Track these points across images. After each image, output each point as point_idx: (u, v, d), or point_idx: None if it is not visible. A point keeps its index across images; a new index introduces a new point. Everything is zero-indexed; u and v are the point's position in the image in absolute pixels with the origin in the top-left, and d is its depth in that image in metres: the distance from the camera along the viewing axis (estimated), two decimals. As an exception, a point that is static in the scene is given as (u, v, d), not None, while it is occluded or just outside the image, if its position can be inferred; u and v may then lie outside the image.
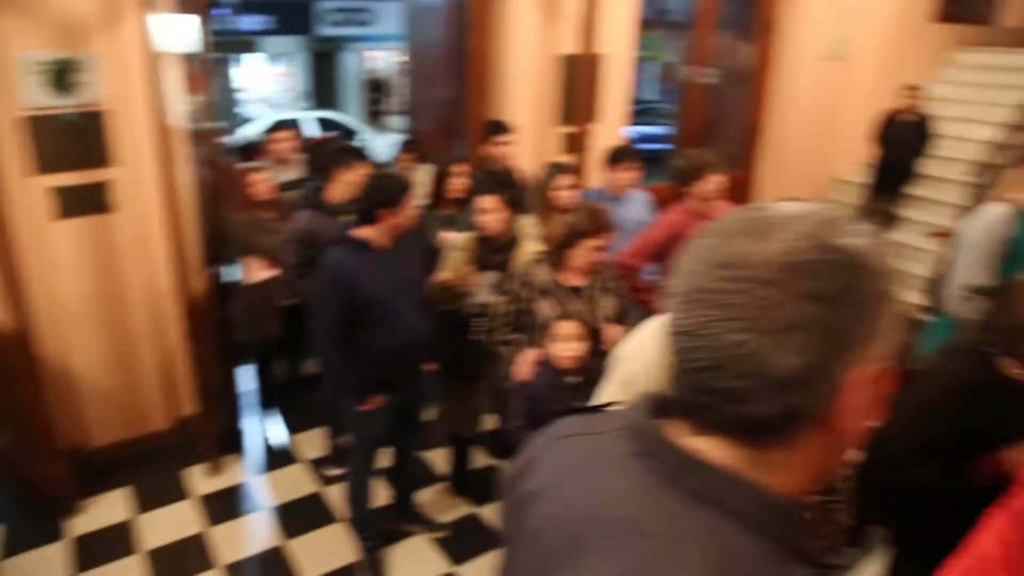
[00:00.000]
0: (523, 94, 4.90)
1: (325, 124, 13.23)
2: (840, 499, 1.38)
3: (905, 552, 2.15)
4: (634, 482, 0.68)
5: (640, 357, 1.88)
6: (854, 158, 7.20)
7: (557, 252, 2.88)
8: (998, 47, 8.24)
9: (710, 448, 0.66)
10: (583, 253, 2.81)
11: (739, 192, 6.72)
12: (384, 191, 2.80)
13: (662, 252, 3.50)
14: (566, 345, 2.68)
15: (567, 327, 2.70)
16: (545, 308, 2.86)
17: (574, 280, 2.90)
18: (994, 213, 2.84)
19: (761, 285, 0.60)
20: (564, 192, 3.69)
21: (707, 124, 6.73)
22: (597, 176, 4.47)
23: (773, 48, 6.48)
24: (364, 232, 2.83)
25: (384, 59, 19.22)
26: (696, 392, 0.65)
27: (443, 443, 3.91)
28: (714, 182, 3.48)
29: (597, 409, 0.83)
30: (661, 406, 0.72)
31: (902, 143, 6.41)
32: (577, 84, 4.82)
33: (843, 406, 0.62)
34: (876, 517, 2.21)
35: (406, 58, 5.94)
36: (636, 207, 4.10)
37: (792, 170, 6.94)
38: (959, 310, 2.83)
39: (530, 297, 2.90)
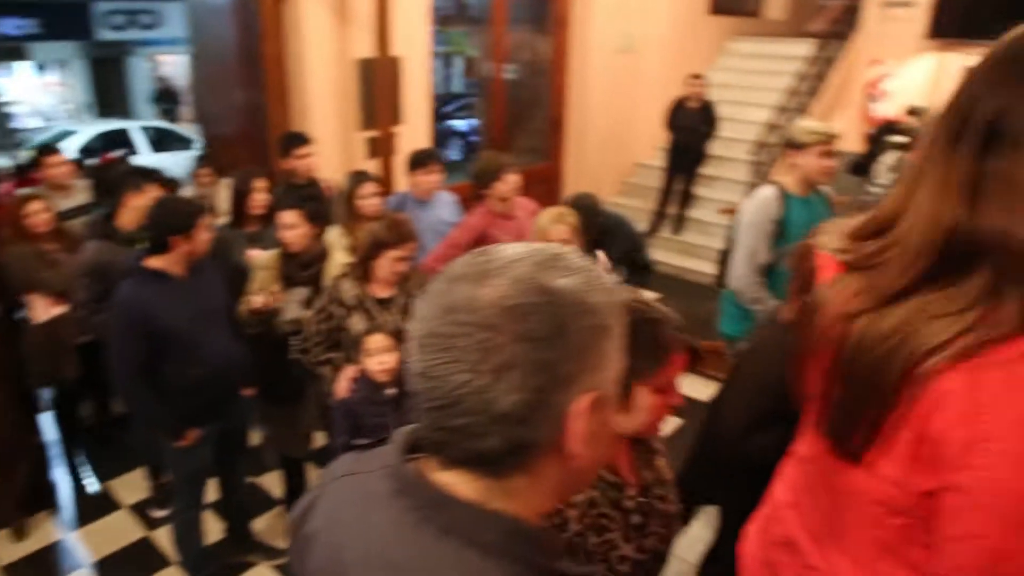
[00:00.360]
0: (323, 100, 4.80)
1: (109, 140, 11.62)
2: (667, 491, 1.48)
3: (732, 522, 2.30)
4: (394, 521, 0.72)
5: None
6: (652, 143, 7.69)
7: (362, 265, 2.84)
8: (766, 36, 9.11)
9: (456, 482, 0.71)
10: (387, 264, 2.79)
11: (548, 182, 6.98)
12: (174, 217, 2.65)
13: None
14: (379, 359, 2.66)
15: (378, 340, 2.68)
16: (356, 323, 2.82)
17: (382, 292, 2.87)
18: (764, 195, 3.14)
19: (480, 328, 0.65)
20: (369, 200, 3.66)
21: (512, 118, 6.92)
22: (405, 180, 4.47)
23: (567, 43, 6.76)
24: (157, 262, 2.66)
25: (179, 64, 17.93)
26: (436, 430, 0.69)
27: (275, 466, 3.78)
28: (511, 182, 3.59)
29: (374, 445, 0.86)
30: (415, 443, 0.75)
31: (690, 128, 6.93)
32: (376, 87, 4.79)
33: (573, 433, 0.68)
34: (709, 495, 2.32)
35: (193, 63, 5.59)
36: (443, 209, 4.14)
37: (596, 158, 7.30)
38: (741, 286, 3.11)
39: (341, 313, 2.86)
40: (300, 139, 4.19)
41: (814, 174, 3.07)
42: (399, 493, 0.72)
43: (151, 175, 3.46)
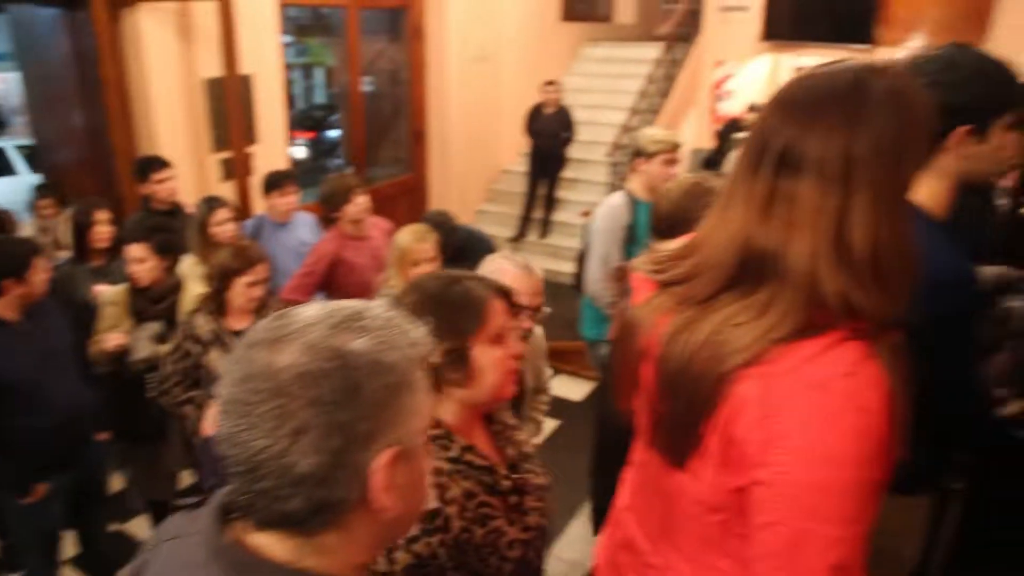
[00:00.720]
0: (171, 122, 4.60)
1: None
2: (533, 464, 1.50)
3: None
4: None
5: None
6: (516, 149, 7.83)
7: (215, 297, 2.74)
8: (618, 41, 9.48)
9: (269, 543, 0.72)
10: (241, 292, 2.70)
11: (413, 193, 6.99)
12: (4, 259, 2.49)
13: (323, 281, 3.54)
14: None
15: None
16: (215, 359, 2.72)
17: (239, 323, 2.75)
18: (614, 202, 3.28)
19: (275, 395, 0.67)
20: (223, 227, 3.55)
21: (374, 129, 6.88)
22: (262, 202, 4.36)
23: (424, 53, 6.79)
24: None
25: (7, 81, 16.48)
26: (243, 493, 0.71)
27: (141, 510, 3.59)
28: (361, 203, 3.56)
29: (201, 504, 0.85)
30: (229, 506, 0.76)
31: (548, 133, 7.12)
32: (228, 107, 4.64)
33: (377, 488, 0.71)
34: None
35: (24, 82, 5.17)
36: (302, 229, 4.06)
37: (461, 167, 7.36)
38: (596, 291, 3.24)
39: (197, 350, 2.74)
40: (158, 163, 3.97)
41: (659, 180, 3.20)
42: (214, 558, 0.73)
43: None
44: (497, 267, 2.02)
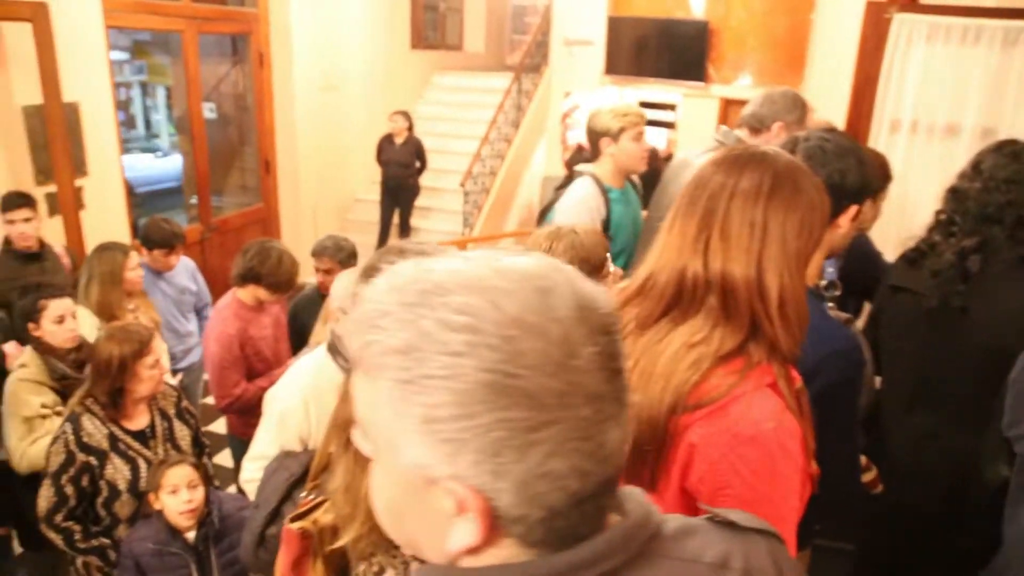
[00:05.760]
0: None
1: None
2: None
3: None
4: None
5: (295, 395, 1.92)
6: (369, 178, 7.78)
7: (110, 392, 2.32)
8: (468, 70, 9.63)
9: None
10: (145, 379, 2.34)
11: (263, 223, 6.78)
12: None
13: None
14: (185, 497, 2.22)
15: (183, 472, 2.23)
16: (116, 472, 2.31)
17: (137, 423, 2.40)
18: (583, 191, 2.85)
19: None
20: (135, 272, 3.29)
21: (220, 156, 6.63)
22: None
23: (270, 81, 6.62)
24: None
25: None
26: None
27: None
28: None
29: None
30: None
31: (398, 162, 7.15)
32: (50, 137, 4.32)
33: None
34: None
35: None
36: (183, 275, 3.81)
37: (312, 196, 7.21)
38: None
39: (95, 463, 2.29)
40: (15, 200, 3.44)
41: (631, 161, 2.88)
42: None
43: None
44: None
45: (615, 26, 7.94)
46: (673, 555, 0.66)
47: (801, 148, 1.59)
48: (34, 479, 2.39)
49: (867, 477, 2.08)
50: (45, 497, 2.24)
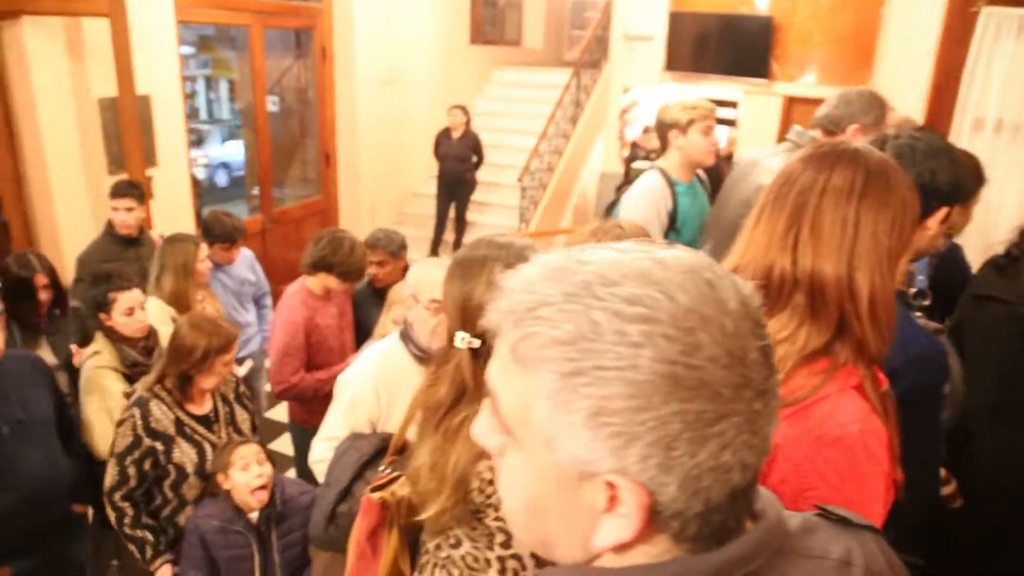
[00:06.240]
0: (62, 143, 4.37)
1: None
2: None
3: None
4: None
5: (367, 380, 1.96)
6: (427, 172, 7.82)
7: (182, 381, 2.37)
8: (528, 66, 9.61)
9: None
10: (217, 372, 2.39)
11: (323, 215, 6.87)
12: None
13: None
14: (256, 472, 2.26)
15: (251, 450, 2.29)
16: (183, 456, 2.37)
17: (201, 407, 2.45)
18: (650, 184, 2.79)
19: None
20: (204, 264, 3.32)
21: (282, 148, 6.74)
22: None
23: (332, 75, 6.70)
24: None
25: None
26: None
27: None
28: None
29: None
30: None
31: (455, 156, 7.15)
32: (123, 129, 4.44)
33: None
34: None
35: None
36: (243, 267, 3.84)
37: (371, 189, 7.29)
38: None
39: (161, 448, 2.34)
40: (123, 189, 3.63)
41: (699, 155, 2.84)
42: None
43: None
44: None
45: (676, 21, 7.80)
46: (804, 552, 0.65)
47: (891, 145, 1.54)
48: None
49: (946, 490, 2.01)
50: (110, 475, 2.32)
